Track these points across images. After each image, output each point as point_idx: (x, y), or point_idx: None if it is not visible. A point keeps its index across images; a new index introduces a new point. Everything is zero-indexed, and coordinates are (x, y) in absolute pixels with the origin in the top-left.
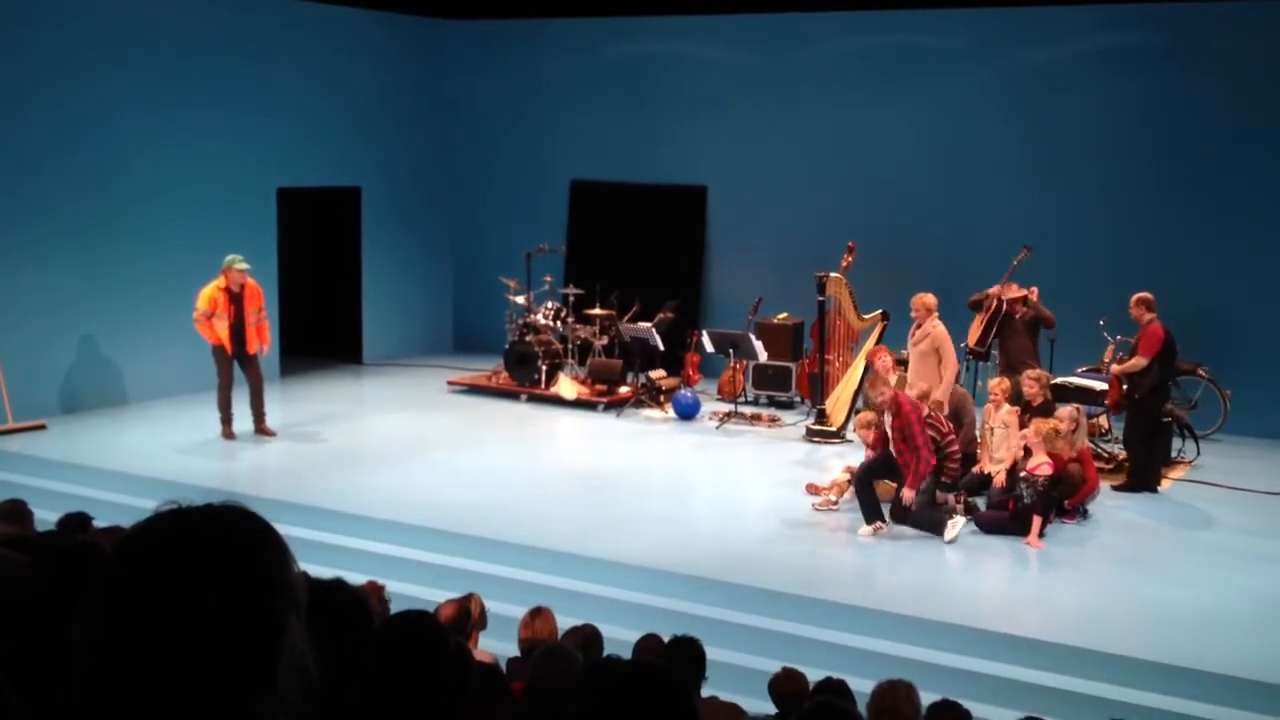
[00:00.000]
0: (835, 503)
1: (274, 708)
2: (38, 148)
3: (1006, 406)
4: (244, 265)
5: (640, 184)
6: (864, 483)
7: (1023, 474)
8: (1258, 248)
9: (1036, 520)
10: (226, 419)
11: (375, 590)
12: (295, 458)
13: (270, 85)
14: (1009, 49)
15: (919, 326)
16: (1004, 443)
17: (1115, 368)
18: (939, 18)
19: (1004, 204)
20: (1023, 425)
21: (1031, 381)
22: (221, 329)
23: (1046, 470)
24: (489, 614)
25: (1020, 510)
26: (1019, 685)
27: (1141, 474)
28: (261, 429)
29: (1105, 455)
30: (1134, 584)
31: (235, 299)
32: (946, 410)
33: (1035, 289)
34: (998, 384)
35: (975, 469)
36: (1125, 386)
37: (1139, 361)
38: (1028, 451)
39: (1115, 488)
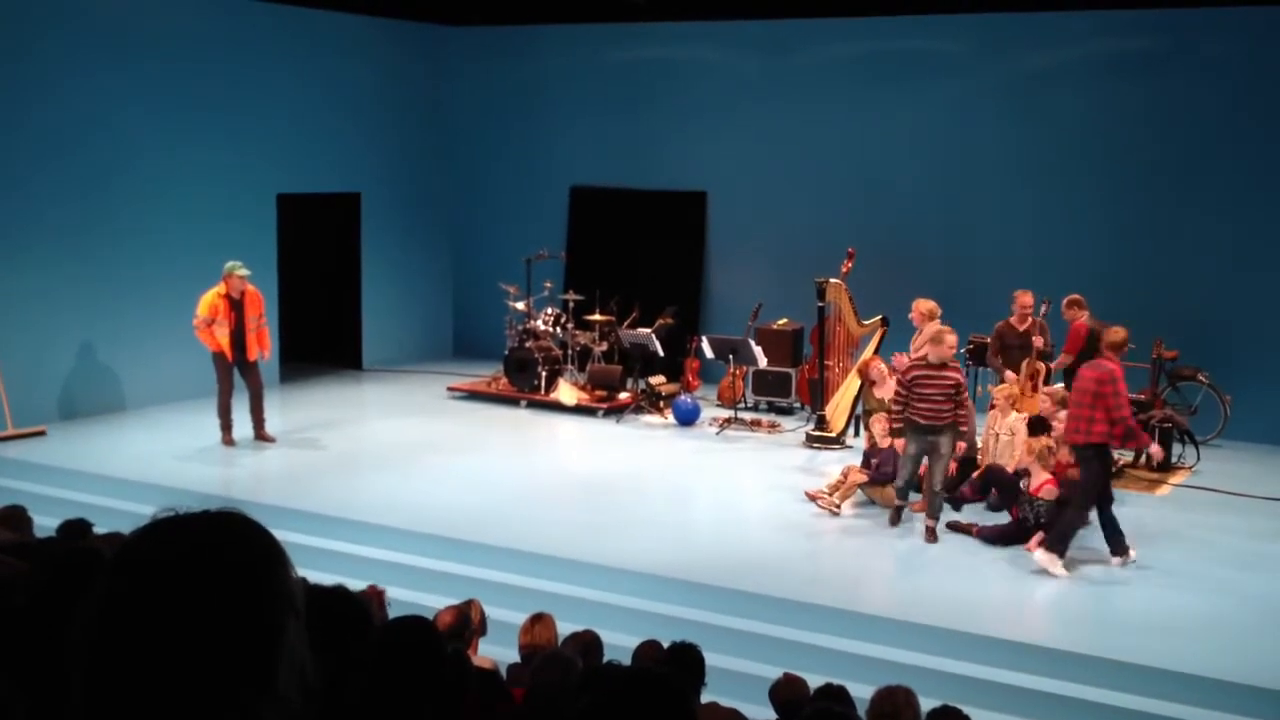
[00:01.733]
0: (838, 506)
1: (273, 710)
2: (37, 152)
3: (1015, 414)
4: (244, 271)
5: (640, 189)
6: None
7: (1026, 496)
8: (1258, 252)
9: (1040, 534)
10: (226, 425)
11: (376, 595)
12: (295, 464)
13: (270, 91)
14: (1008, 54)
15: (920, 332)
16: (1008, 449)
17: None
18: (937, 23)
19: (1004, 209)
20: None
21: (1046, 398)
22: (222, 336)
23: (1051, 490)
24: (489, 620)
25: (1029, 529)
26: (1019, 691)
27: None
28: (261, 435)
29: None
30: (1134, 589)
31: (236, 305)
32: None
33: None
34: (1001, 390)
35: (975, 475)
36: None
37: (1065, 359)
38: (1027, 469)
39: None
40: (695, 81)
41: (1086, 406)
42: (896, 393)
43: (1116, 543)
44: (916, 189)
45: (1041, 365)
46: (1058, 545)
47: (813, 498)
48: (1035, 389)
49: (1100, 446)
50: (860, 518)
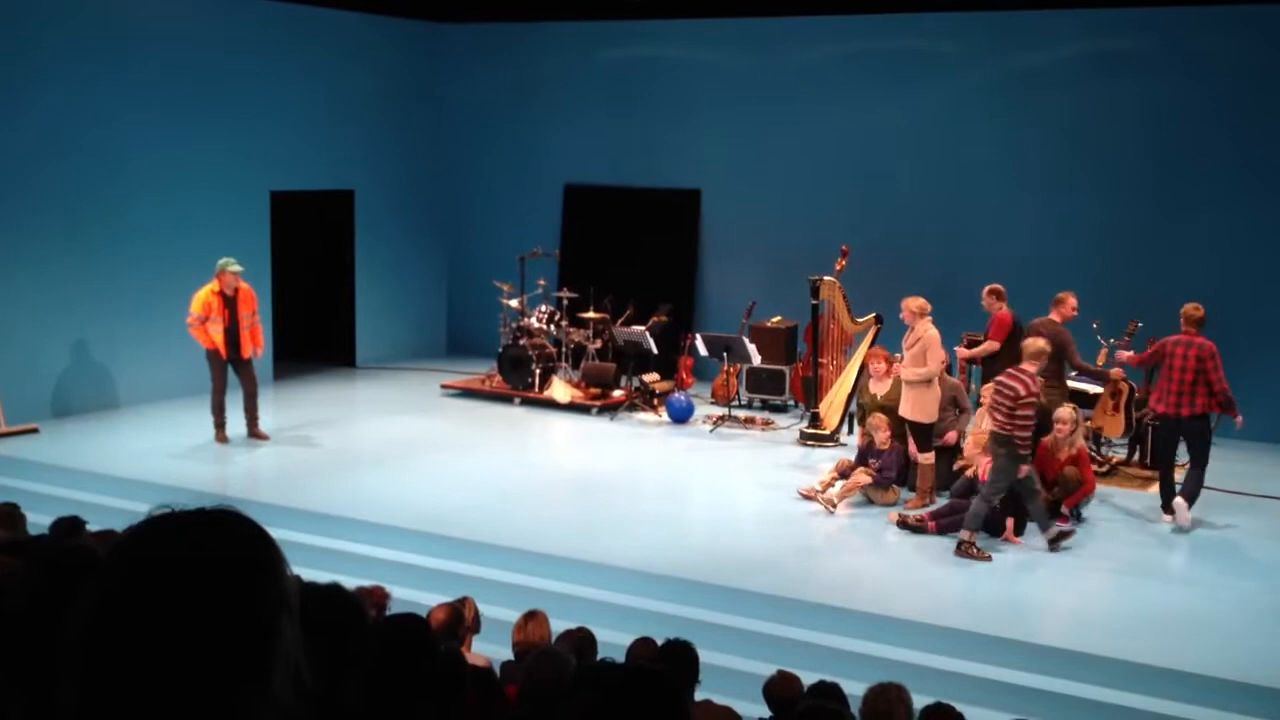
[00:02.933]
0: (834, 504)
1: (271, 710)
2: (31, 150)
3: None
4: (237, 268)
5: (634, 187)
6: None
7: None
8: (1253, 250)
9: (1010, 520)
10: (220, 423)
11: (378, 594)
12: (288, 462)
13: (264, 88)
14: (1001, 53)
15: (911, 330)
16: None
17: (963, 352)
18: (931, 22)
19: (998, 207)
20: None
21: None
22: (216, 333)
23: None
24: (482, 618)
25: (998, 513)
26: (1012, 688)
27: None
28: (255, 433)
29: (1100, 459)
30: (1129, 587)
31: (229, 303)
32: (942, 397)
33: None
34: (991, 389)
35: (969, 472)
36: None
37: (991, 345)
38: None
39: None
40: (689, 79)
41: (1189, 383)
42: (1027, 417)
43: (1171, 498)
44: (911, 187)
45: (1126, 385)
46: (1193, 499)
47: (808, 496)
48: (1118, 408)
49: (1205, 417)
50: (854, 516)
